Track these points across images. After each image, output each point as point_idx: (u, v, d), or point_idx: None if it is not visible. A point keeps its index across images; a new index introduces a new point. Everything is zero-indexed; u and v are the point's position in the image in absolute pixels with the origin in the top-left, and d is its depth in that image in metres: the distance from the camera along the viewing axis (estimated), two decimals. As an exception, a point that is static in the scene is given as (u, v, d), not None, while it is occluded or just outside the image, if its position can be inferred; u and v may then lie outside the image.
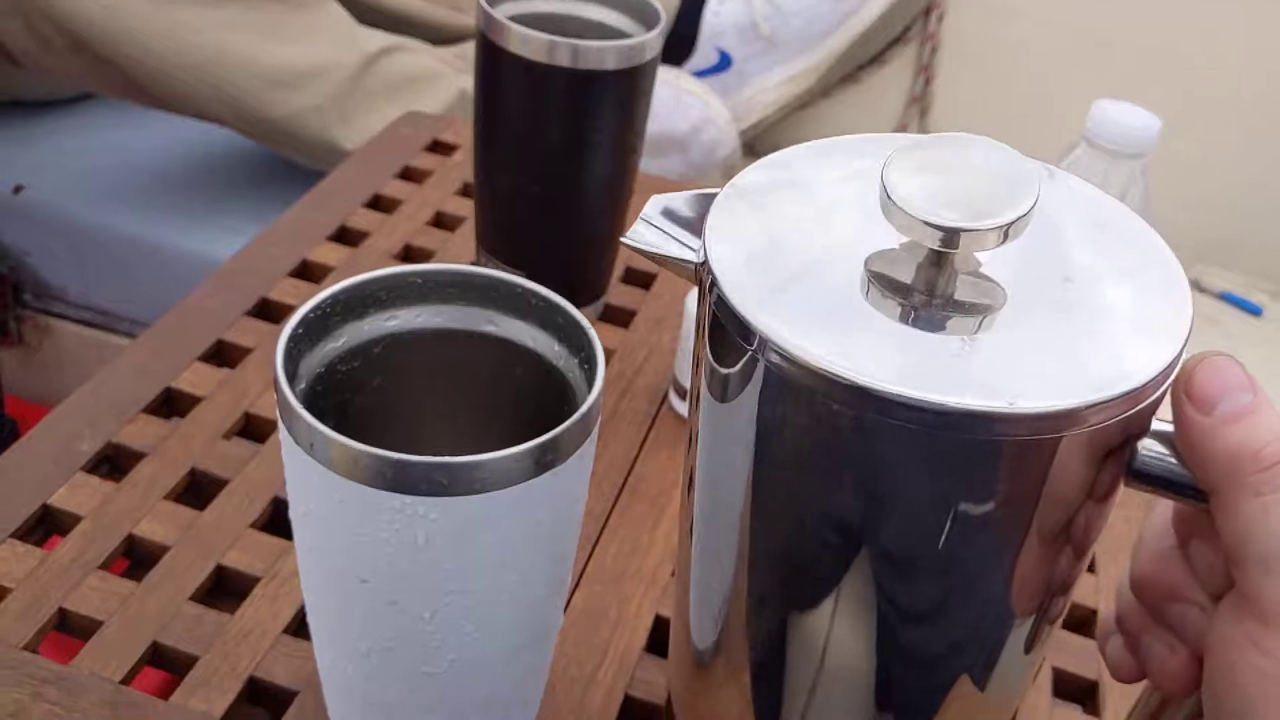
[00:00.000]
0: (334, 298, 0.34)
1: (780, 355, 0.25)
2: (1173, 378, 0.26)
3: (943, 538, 0.26)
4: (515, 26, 0.53)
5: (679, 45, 1.19)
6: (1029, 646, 0.31)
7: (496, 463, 0.29)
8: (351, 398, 0.36)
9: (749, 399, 0.27)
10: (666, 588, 0.49)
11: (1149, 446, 0.27)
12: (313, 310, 0.34)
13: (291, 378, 0.32)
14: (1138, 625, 0.31)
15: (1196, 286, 1.43)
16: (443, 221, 0.73)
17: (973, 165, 0.26)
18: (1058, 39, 1.21)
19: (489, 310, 0.36)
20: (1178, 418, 0.26)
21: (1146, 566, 0.30)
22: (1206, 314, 1.26)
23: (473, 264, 0.67)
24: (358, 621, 0.33)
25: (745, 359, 0.26)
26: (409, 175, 0.77)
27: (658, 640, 0.47)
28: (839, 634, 0.29)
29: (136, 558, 0.49)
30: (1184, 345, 0.26)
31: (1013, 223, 0.25)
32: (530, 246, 0.60)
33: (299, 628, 0.45)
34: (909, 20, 1.23)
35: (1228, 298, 1.38)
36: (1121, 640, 0.32)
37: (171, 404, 0.57)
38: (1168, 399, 0.27)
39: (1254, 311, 1.34)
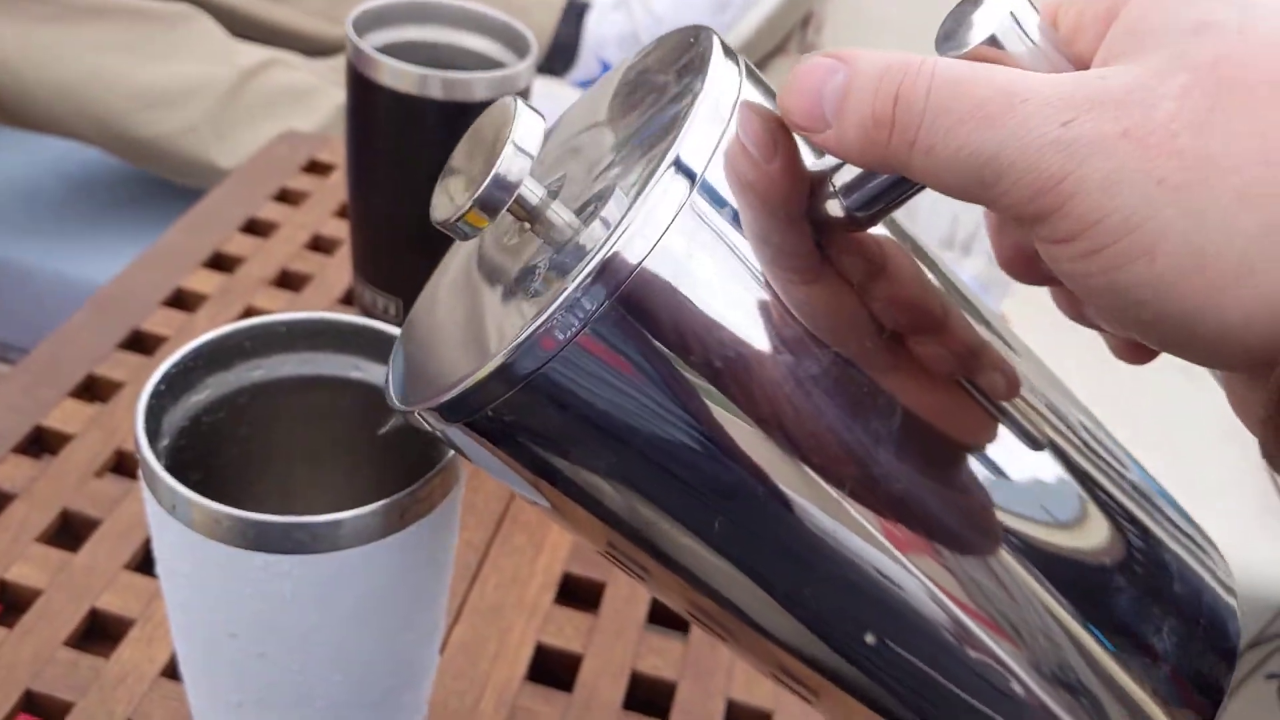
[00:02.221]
0: (197, 351, 0.35)
1: (433, 415, 0.25)
2: (726, 124, 0.24)
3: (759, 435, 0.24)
4: (385, 59, 0.54)
5: (561, 56, 1.20)
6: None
7: (358, 519, 0.30)
8: (218, 448, 0.36)
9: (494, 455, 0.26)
10: (548, 616, 0.50)
11: (845, 177, 0.25)
12: (175, 365, 0.34)
13: (154, 435, 0.33)
14: (1076, 307, 0.28)
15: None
16: (320, 245, 0.73)
17: (482, 135, 0.26)
18: (929, 49, 1.25)
19: (354, 356, 0.37)
20: (824, 149, 0.24)
21: (996, 244, 0.29)
22: (1088, 342, 1.32)
23: (349, 291, 0.68)
24: (228, 673, 0.33)
25: (439, 431, 0.26)
26: (285, 197, 0.77)
27: (538, 669, 0.48)
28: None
29: (8, 603, 0.48)
30: (703, 93, 0.24)
31: (515, 148, 0.24)
32: (406, 275, 0.60)
33: (175, 670, 0.45)
34: (787, 31, 1.26)
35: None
36: (1098, 334, 0.29)
37: (41, 442, 0.56)
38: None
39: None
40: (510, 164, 0.24)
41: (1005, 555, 0.26)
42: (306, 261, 0.70)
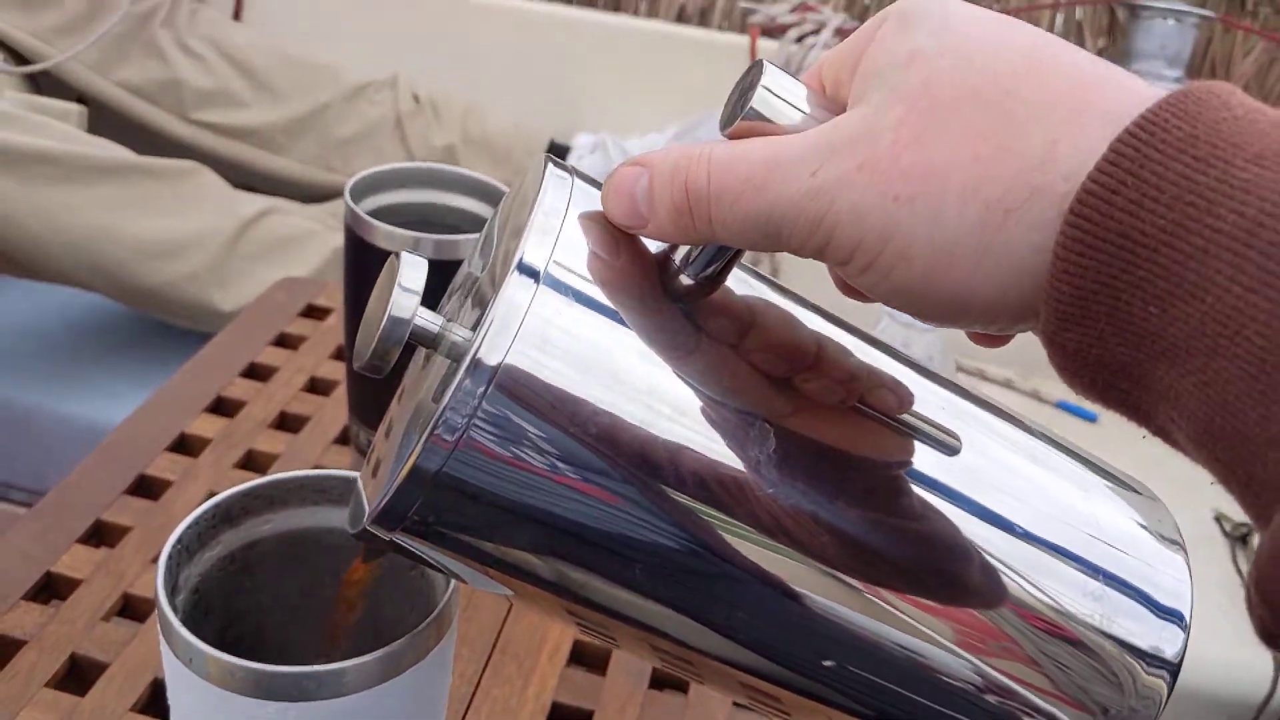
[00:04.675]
0: (210, 511, 0.38)
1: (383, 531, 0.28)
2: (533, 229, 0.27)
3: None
4: (379, 224, 0.58)
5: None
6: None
7: (360, 667, 0.33)
8: (232, 598, 0.39)
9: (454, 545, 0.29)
10: (536, 744, 0.52)
11: (682, 253, 0.28)
12: (190, 525, 0.37)
13: (173, 591, 0.36)
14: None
15: (1035, 397, 1.54)
16: (317, 387, 0.76)
17: (381, 286, 0.29)
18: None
19: (355, 510, 0.40)
20: (652, 239, 0.28)
21: (832, 275, 0.30)
22: (1045, 422, 1.36)
23: (345, 430, 0.71)
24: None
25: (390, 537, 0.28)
26: (284, 342, 0.81)
27: (528, 797, 0.50)
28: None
29: (17, 748, 0.50)
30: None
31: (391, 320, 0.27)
32: (401, 418, 0.64)
33: (181, 811, 0.47)
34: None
35: (1063, 406, 1.49)
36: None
37: (51, 588, 0.58)
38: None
39: (1089, 418, 1.45)
40: (400, 303, 0.27)
41: (932, 558, 0.28)
42: (305, 403, 0.74)
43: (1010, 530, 0.29)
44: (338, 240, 1.07)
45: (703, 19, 1.70)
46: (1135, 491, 0.32)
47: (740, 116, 0.27)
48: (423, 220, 0.64)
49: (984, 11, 0.26)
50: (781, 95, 0.27)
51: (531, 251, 0.27)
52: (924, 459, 0.29)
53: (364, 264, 0.60)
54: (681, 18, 1.71)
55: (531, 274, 0.26)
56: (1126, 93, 0.23)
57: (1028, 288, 0.24)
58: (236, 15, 1.41)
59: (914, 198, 0.24)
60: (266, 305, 0.84)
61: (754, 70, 0.27)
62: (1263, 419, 0.20)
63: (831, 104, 0.27)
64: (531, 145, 1.27)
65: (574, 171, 0.29)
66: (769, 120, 0.27)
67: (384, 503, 0.27)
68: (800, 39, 1.38)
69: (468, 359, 0.26)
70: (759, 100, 0.27)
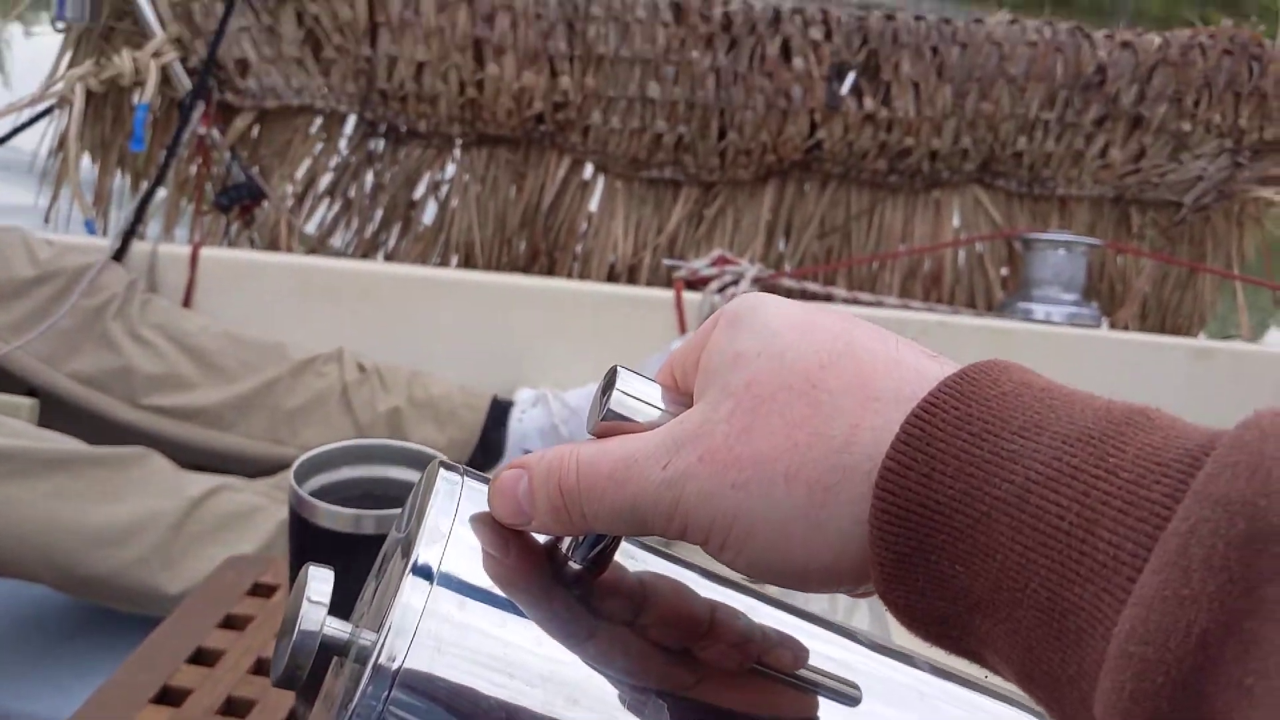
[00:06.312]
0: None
1: None
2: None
3: None
4: (321, 504, 0.61)
5: (489, 452, 1.29)
6: None
7: None
8: None
9: None
10: None
11: (566, 542, 0.30)
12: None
13: None
14: None
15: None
16: (264, 668, 0.76)
17: (294, 595, 0.30)
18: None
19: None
20: (538, 533, 0.30)
21: None
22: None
23: (292, 711, 0.71)
24: None
25: None
26: (231, 623, 0.81)
27: None
28: None
29: None
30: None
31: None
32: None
33: None
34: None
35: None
36: None
37: None
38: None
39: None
40: (309, 616, 0.29)
41: None
42: (251, 686, 0.74)
43: None
44: (284, 512, 1.08)
45: (631, 277, 1.81)
46: (1023, 709, 0.34)
47: (601, 418, 0.30)
48: (367, 495, 0.66)
49: (798, 310, 0.30)
50: (635, 395, 0.30)
51: (424, 554, 0.28)
52: (825, 713, 0.30)
53: (309, 543, 0.62)
54: (611, 276, 1.81)
55: (425, 576, 0.28)
56: (915, 375, 0.27)
57: (857, 554, 0.27)
58: (187, 302, 1.47)
59: (748, 483, 0.27)
60: (213, 587, 0.85)
61: (611, 375, 0.30)
62: (1061, 661, 0.23)
63: (683, 396, 0.31)
64: (475, 404, 1.32)
65: (465, 472, 0.32)
66: (627, 419, 0.30)
67: None
68: (722, 289, 1.47)
69: (369, 665, 0.27)
70: (615, 402, 0.30)
